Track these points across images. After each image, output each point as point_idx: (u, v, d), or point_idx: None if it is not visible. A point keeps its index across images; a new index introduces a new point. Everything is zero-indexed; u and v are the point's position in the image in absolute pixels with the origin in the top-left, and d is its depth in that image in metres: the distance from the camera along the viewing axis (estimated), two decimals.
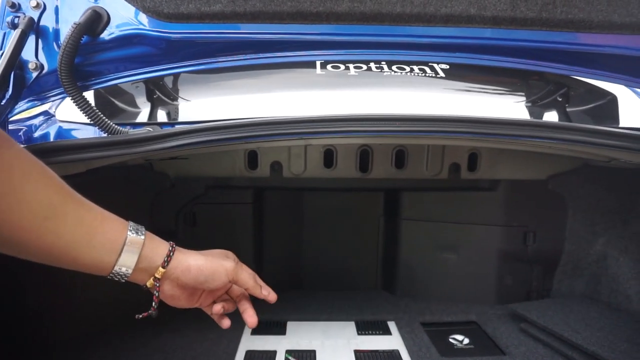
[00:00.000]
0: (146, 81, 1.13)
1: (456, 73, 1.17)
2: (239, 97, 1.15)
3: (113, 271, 0.68)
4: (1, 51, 1.03)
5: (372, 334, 1.42)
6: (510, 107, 1.64)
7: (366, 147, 1.48)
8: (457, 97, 1.21)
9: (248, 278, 0.81)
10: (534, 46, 1.13)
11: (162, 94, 1.16)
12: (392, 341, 1.36)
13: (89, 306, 1.30)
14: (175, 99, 1.19)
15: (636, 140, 0.94)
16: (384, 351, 1.30)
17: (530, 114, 1.55)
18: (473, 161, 1.52)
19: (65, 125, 1.10)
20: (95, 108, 0.97)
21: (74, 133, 1.10)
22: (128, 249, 0.68)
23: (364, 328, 1.45)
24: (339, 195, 1.72)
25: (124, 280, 0.70)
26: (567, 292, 1.58)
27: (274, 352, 1.28)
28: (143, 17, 1.01)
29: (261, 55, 1.06)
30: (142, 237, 0.70)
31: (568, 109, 1.56)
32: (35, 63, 1.04)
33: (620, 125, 1.52)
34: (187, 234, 1.58)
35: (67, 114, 1.10)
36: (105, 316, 1.35)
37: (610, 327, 1.27)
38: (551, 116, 1.54)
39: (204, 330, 1.38)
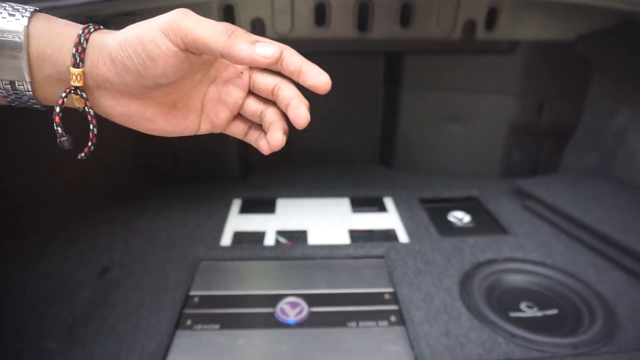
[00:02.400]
0: None
1: None
2: None
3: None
4: None
5: (367, 211, 1.34)
6: None
7: (366, 0, 1.23)
8: None
9: (207, 28, 0.41)
10: None
11: None
12: (389, 219, 1.29)
13: (60, 189, 1.18)
14: None
15: None
16: (380, 230, 1.23)
17: None
18: (492, 17, 1.28)
19: None
20: None
21: None
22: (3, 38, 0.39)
23: (359, 205, 1.37)
24: (333, 59, 1.49)
25: (32, 100, 0.44)
26: (578, 168, 1.47)
27: (263, 233, 1.21)
28: None
29: None
30: (24, 21, 0.40)
31: None
32: None
33: None
34: None
35: None
36: (79, 198, 1.24)
37: (624, 205, 1.18)
38: None
39: (188, 212, 1.29)
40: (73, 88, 0.43)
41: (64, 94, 0.43)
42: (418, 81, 1.47)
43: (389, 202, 1.38)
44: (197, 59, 0.44)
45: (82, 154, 0.51)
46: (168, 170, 1.49)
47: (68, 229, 1.17)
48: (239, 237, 1.19)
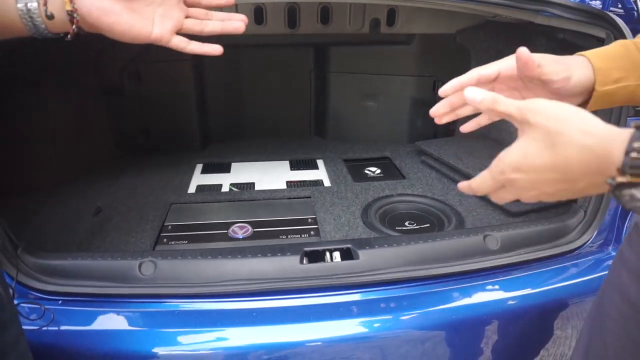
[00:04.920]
0: None
1: None
2: None
3: (19, 8, 0.57)
4: None
5: (302, 169, 1.71)
6: None
7: (293, 4, 1.60)
8: None
9: None
10: None
11: None
12: (318, 174, 1.67)
13: (53, 158, 1.50)
14: None
15: None
16: (310, 180, 1.61)
17: None
18: (392, 17, 1.68)
19: None
20: None
21: None
22: None
23: (296, 166, 1.74)
24: (272, 50, 1.87)
25: (42, 25, 0.59)
26: (467, 133, 1.89)
27: (220, 185, 1.56)
28: None
29: None
30: None
31: None
32: None
33: None
34: (133, 91, 1.73)
35: None
36: (69, 165, 1.56)
37: (488, 155, 1.59)
38: None
39: (160, 172, 1.62)
40: None
41: None
42: (341, 67, 1.86)
43: (319, 163, 1.76)
44: None
45: (69, 36, 0.62)
46: (140, 142, 1.82)
47: (62, 187, 1.49)
48: (201, 188, 1.54)
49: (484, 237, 1.06)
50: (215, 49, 0.70)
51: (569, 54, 0.69)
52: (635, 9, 1.09)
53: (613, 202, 1.12)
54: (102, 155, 1.72)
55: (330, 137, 1.99)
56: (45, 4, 0.58)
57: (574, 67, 0.65)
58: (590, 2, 1.39)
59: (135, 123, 1.78)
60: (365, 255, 1.00)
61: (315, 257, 1.01)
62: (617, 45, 0.68)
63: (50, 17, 0.59)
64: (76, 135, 1.60)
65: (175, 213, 1.37)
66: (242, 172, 1.68)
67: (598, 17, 1.12)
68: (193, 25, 0.69)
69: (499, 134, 1.77)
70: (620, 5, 1.15)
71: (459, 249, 1.03)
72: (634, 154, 0.41)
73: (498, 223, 1.29)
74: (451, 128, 1.93)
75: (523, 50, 0.62)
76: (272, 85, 1.94)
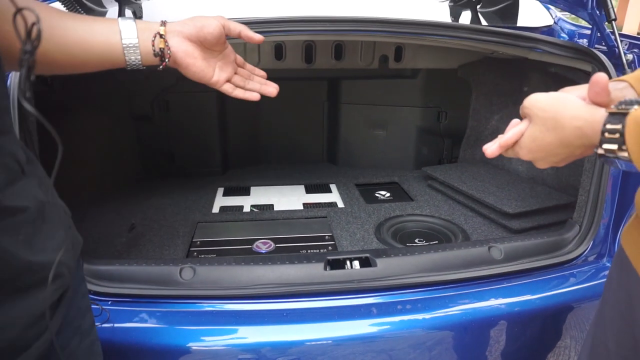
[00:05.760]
0: None
1: None
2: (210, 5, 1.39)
3: (123, 44, 0.74)
4: None
5: (317, 192, 1.84)
6: (435, 6, 1.94)
7: (310, 42, 1.76)
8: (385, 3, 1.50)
9: (237, 24, 0.86)
10: None
11: None
12: (332, 197, 1.79)
13: (87, 179, 1.63)
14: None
15: (501, 36, 1.29)
16: (325, 202, 1.73)
17: (451, 13, 1.86)
18: (399, 53, 1.84)
19: None
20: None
21: None
22: (124, 22, 0.75)
23: (311, 189, 1.86)
24: (289, 83, 2.02)
25: (137, 57, 0.76)
26: (470, 159, 2.03)
27: (242, 206, 1.68)
28: None
29: None
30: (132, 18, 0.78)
31: (480, 9, 1.88)
32: None
33: (519, 22, 1.87)
34: (161, 119, 1.87)
35: None
36: (101, 187, 1.69)
37: (489, 179, 1.73)
38: (466, 15, 1.86)
39: (185, 194, 1.75)
40: (160, 35, 0.78)
41: (159, 33, 0.78)
42: (352, 99, 2.01)
43: (332, 186, 1.89)
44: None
45: (160, 67, 0.81)
46: (166, 167, 1.95)
47: (96, 206, 1.61)
48: (224, 208, 1.66)
49: (489, 248, 1.18)
50: (254, 96, 0.93)
51: (560, 86, 0.82)
52: (616, 46, 1.23)
53: (605, 217, 1.24)
54: (132, 177, 1.85)
55: (342, 164, 2.12)
56: (153, 44, 0.77)
57: (625, 92, 0.72)
58: (577, 41, 1.55)
59: (161, 148, 1.92)
60: (382, 263, 1.11)
61: (337, 264, 1.12)
62: None
63: (157, 54, 0.78)
64: (108, 158, 1.74)
65: (202, 230, 1.49)
66: (261, 195, 1.80)
67: (585, 54, 1.27)
68: (239, 81, 0.92)
69: (500, 161, 1.91)
70: (603, 43, 1.30)
71: (466, 258, 1.14)
72: (606, 134, 0.57)
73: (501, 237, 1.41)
74: (454, 155, 2.07)
75: (601, 77, 0.62)
76: (288, 115, 2.09)
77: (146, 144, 1.88)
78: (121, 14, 1.53)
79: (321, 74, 1.94)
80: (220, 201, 1.73)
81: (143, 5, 1.68)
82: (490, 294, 1.11)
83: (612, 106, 0.58)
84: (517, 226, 1.43)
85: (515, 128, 0.73)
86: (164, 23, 0.80)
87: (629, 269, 0.69)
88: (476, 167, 1.89)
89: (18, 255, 0.51)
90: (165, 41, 0.78)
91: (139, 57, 0.77)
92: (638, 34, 4.32)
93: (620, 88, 0.74)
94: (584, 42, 1.47)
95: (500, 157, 1.92)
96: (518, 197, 1.55)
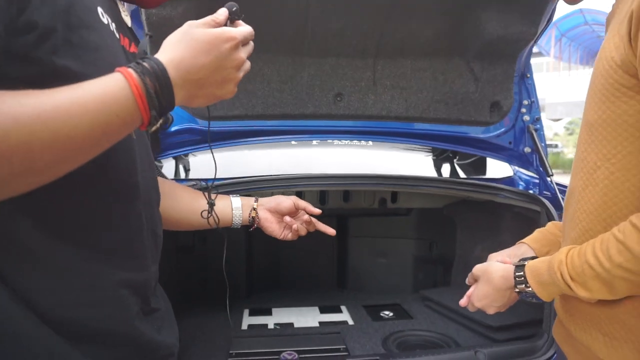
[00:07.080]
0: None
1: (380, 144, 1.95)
2: (250, 166, 1.87)
3: (234, 214, 1.20)
4: None
5: (330, 312, 2.13)
6: (422, 160, 2.45)
7: (324, 190, 2.22)
8: (382, 159, 1.98)
9: (303, 202, 1.24)
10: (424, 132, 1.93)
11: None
12: (343, 316, 2.08)
13: None
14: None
15: (471, 186, 1.73)
16: (337, 321, 2.01)
17: (434, 164, 2.36)
18: (394, 197, 2.29)
19: None
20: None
21: None
22: (235, 200, 1.20)
23: (324, 310, 2.16)
24: None
25: (239, 221, 1.21)
26: (461, 282, 2.34)
27: (266, 325, 1.97)
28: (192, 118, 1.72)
29: (263, 138, 1.79)
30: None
31: (457, 162, 2.38)
32: None
33: (487, 173, 2.36)
34: (200, 248, 2.25)
35: None
36: None
37: None
38: (446, 167, 2.36)
39: (215, 315, 2.04)
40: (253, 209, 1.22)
41: (254, 207, 1.24)
42: (358, 232, 2.41)
43: (343, 307, 2.18)
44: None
45: (251, 229, 1.29)
46: (197, 292, 2.26)
47: None
48: (251, 326, 1.95)
49: (475, 352, 1.46)
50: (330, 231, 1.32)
51: (524, 222, 1.22)
52: (556, 193, 1.67)
53: None
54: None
55: (350, 288, 2.44)
56: (250, 215, 1.22)
57: (525, 252, 1.19)
58: (531, 188, 2.01)
59: (196, 276, 2.25)
60: None
61: None
62: (537, 232, 1.24)
63: (250, 221, 1.22)
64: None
65: (236, 343, 1.76)
66: (281, 315, 2.09)
67: (534, 199, 1.69)
68: (301, 229, 1.28)
69: None
70: (547, 191, 1.74)
71: None
72: (516, 279, 0.99)
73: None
74: (447, 279, 2.40)
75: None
76: (303, 247, 2.46)
77: (185, 272, 2.22)
78: (177, 167, 2.02)
79: (332, 212, 2.37)
80: (248, 320, 2.02)
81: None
82: None
83: (517, 262, 1.01)
84: (500, 337, 1.71)
85: (469, 290, 1.18)
86: (256, 200, 1.21)
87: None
88: (466, 289, 2.20)
89: (153, 337, 0.83)
90: (257, 212, 1.20)
91: (241, 220, 1.20)
92: None
93: (523, 250, 1.20)
94: (535, 190, 1.92)
95: None
96: (501, 313, 1.85)
